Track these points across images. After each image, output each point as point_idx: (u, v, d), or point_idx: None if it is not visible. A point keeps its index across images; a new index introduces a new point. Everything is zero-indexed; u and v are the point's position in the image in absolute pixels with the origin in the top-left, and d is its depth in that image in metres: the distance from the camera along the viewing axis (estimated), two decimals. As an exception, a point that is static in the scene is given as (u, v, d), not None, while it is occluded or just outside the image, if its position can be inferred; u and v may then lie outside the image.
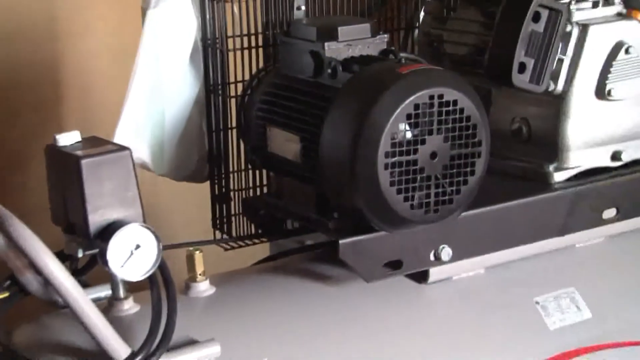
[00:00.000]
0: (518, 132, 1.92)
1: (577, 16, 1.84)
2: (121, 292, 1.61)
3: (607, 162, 1.91)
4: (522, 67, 1.78)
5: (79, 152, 1.50)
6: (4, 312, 1.59)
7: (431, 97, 1.59)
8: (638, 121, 1.92)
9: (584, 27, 1.84)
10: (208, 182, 1.98)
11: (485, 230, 1.77)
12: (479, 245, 1.78)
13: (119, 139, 1.82)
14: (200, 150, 1.96)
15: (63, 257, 1.51)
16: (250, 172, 1.97)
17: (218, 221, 1.99)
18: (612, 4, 1.89)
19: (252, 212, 1.94)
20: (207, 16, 1.90)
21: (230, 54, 1.91)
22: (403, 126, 1.58)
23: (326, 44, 1.71)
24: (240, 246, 1.97)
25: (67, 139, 1.54)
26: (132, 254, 1.49)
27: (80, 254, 1.52)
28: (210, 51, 1.92)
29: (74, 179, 1.49)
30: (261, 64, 1.93)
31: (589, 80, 1.86)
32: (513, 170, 1.90)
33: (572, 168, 1.88)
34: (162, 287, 1.55)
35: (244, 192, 1.97)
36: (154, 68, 1.87)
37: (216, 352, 1.54)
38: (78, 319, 1.45)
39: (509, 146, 1.91)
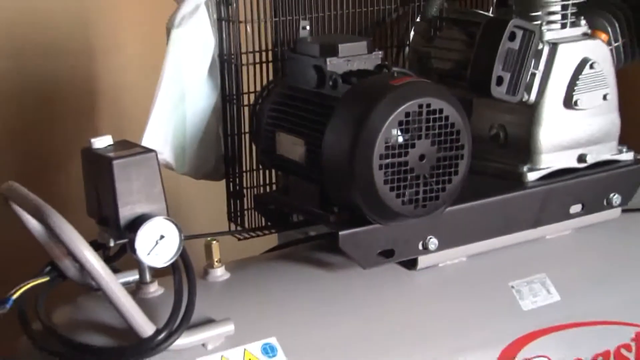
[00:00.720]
0: (496, 137, 1.91)
1: (548, 36, 1.84)
2: (147, 277, 1.60)
3: (574, 164, 1.90)
4: (499, 80, 1.77)
5: (111, 154, 1.50)
6: (46, 294, 1.59)
7: (420, 106, 1.58)
8: (600, 128, 1.91)
9: (554, 46, 1.83)
10: (224, 181, 1.98)
11: (467, 223, 1.76)
12: (462, 236, 1.77)
13: (146, 142, 1.82)
14: (218, 152, 1.96)
15: (97, 246, 1.51)
16: (261, 171, 1.97)
17: (232, 215, 1.98)
18: (579, 25, 1.88)
19: (263, 207, 1.93)
20: (224, 35, 1.90)
21: (244, 68, 1.90)
22: (395, 131, 1.58)
23: (328, 59, 1.70)
24: (252, 237, 1.96)
25: (101, 142, 1.53)
26: (157, 244, 1.49)
27: (111, 243, 1.52)
28: (227, 66, 1.92)
29: (107, 178, 1.48)
30: (271, 77, 1.93)
31: (558, 92, 1.84)
32: (491, 170, 1.89)
33: (543, 169, 1.86)
34: (183, 272, 1.55)
35: (255, 189, 1.97)
36: (177, 80, 1.86)
37: (230, 329, 1.53)
38: (109, 300, 1.45)
39: (488, 149, 1.89)
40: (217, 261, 1.68)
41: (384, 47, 2.05)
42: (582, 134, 1.89)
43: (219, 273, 1.69)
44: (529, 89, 1.82)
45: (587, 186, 1.89)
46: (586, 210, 1.90)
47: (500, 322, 1.74)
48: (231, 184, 1.97)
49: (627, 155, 1.95)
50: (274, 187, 1.97)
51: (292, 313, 1.64)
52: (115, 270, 1.56)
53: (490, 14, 2.07)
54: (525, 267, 1.83)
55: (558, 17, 1.85)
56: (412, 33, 2.00)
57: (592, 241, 1.93)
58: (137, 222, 1.48)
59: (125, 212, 1.49)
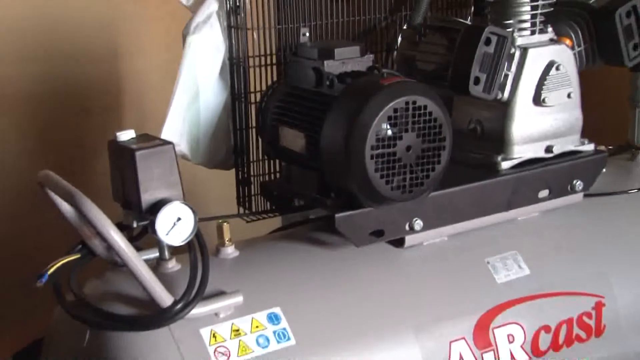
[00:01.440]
0: (474, 131, 1.90)
1: (519, 41, 1.82)
2: (166, 254, 1.59)
3: (542, 154, 1.89)
4: (477, 80, 1.76)
5: (133, 146, 1.49)
6: (77, 269, 1.58)
7: (407, 103, 1.58)
8: (565, 122, 1.90)
9: (524, 50, 1.82)
10: (234, 170, 1.97)
11: (449, 206, 1.75)
12: (444, 218, 1.76)
13: (165, 135, 1.81)
14: (228, 144, 1.95)
15: (122, 227, 1.50)
16: (266, 161, 1.96)
17: (241, 200, 1.97)
18: (546, 32, 1.87)
19: (268, 192, 1.92)
20: (233, 41, 1.89)
21: (251, 70, 1.89)
22: (385, 125, 1.57)
23: (325, 62, 1.69)
24: (259, 219, 1.96)
25: (125, 135, 1.53)
26: (174, 225, 1.48)
27: (135, 225, 1.52)
28: (236, 68, 1.90)
29: (130, 167, 1.48)
30: (275, 78, 1.91)
31: (528, 91, 1.83)
32: (470, 160, 1.88)
33: (515, 158, 1.85)
34: (198, 250, 1.54)
35: (261, 177, 1.96)
36: (192, 81, 1.85)
37: (239, 300, 1.53)
38: (133, 275, 1.45)
39: (467, 141, 1.88)
40: (227, 240, 1.67)
41: (374, 51, 2.03)
42: (549, 128, 1.88)
43: (230, 251, 1.67)
44: (502, 88, 1.81)
45: (553, 174, 1.88)
46: (552, 195, 1.89)
47: (478, 293, 1.74)
48: (240, 172, 1.96)
49: (589, 147, 1.94)
50: (278, 175, 1.96)
51: (294, 286, 1.64)
52: (138, 249, 1.55)
53: (468, 22, 2.07)
54: (499, 245, 1.82)
55: (528, 24, 1.85)
56: (399, 39, 1.99)
57: (557, 222, 1.92)
58: (157, 205, 1.47)
59: (147, 197, 1.48)
